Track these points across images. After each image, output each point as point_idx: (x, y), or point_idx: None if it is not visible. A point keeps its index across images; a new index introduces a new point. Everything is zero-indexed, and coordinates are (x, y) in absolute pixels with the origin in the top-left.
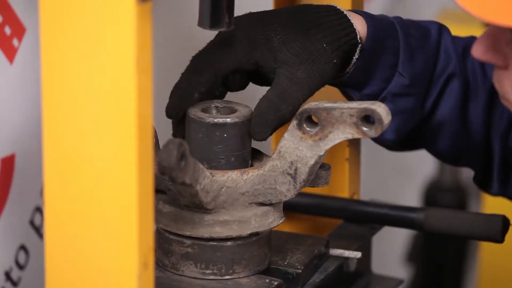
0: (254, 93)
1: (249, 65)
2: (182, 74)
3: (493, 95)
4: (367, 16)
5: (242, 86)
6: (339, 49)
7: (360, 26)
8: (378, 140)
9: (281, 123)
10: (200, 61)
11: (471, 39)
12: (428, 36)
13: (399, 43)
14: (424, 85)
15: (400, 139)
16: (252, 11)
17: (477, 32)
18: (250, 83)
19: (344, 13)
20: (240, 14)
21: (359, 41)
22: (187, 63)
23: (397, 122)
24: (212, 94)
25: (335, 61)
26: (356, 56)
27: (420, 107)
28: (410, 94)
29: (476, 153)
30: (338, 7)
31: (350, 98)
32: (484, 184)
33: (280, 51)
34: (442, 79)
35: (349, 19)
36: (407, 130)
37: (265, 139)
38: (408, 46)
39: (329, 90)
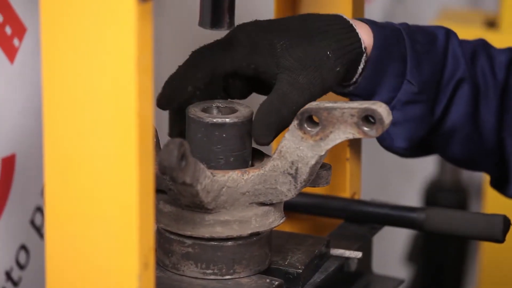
0: (255, 94)
1: (249, 69)
2: (179, 66)
3: (504, 97)
4: (373, 25)
5: (243, 94)
6: (343, 57)
7: (366, 35)
8: (389, 148)
9: (282, 126)
10: (198, 56)
11: (479, 42)
12: (435, 42)
13: (406, 50)
14: (433, 91)
15: (411, 147)
16: (252, 10)
17: (478, 31)
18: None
19: (350, 22)
20: (240, 14)
21: (364, 50)
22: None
23: (407, 129)
24: (214, 98)
25: (338, 69)
26: (361, 65)
27: (430, 113)
28: (419, 101)
29: (490, 156)
30: (343, 16)
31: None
32: (501, 186)
33: (283, 57)
34: (452, 85)
35: (354, 28)
36: (418, 137)
37: (268, 143)
38: (415, 53)
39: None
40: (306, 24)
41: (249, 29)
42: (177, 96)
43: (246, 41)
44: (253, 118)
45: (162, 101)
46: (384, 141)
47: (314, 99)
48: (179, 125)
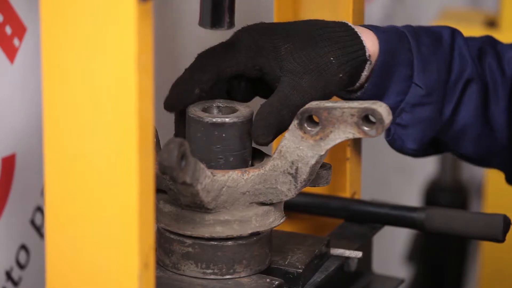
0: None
1: (253, 71)
2: (186, 69)
3: None
4: (378, 31)
5: (246, 97)
6: (346, 64)
7: (370, 42)
8: (400, 149)
9: (282, 128)
10: (204, 58)
11: (486, 39)
12: (440, 43)
13: (412, 54)
14: (441, 92)
15: (422, 147)
16: (253, 10)
17: (478, 31)
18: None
19: (354, 29)
20: (240, 14)
21: (368, 58)
22: (187, 62)
23: (417, 131)
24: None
25: (341, 75)
26: (365, 72)
27: (439, 115)
28: (427, 103)
29: (502, 153)
30: (348, 24)
31: None
32: None
33: (286, 60)
34: (460, 85)
35: (359, 36)
36: (428, 138)
37: (266, 143)
38: (422, 56)
39: None
40: (311, 30)
41: (254, 31)
42: (184, 99)
43: (251, 43)
44: (253, 119)
45: (170, 104)
46: (395, 143)
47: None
48: (184, 127)
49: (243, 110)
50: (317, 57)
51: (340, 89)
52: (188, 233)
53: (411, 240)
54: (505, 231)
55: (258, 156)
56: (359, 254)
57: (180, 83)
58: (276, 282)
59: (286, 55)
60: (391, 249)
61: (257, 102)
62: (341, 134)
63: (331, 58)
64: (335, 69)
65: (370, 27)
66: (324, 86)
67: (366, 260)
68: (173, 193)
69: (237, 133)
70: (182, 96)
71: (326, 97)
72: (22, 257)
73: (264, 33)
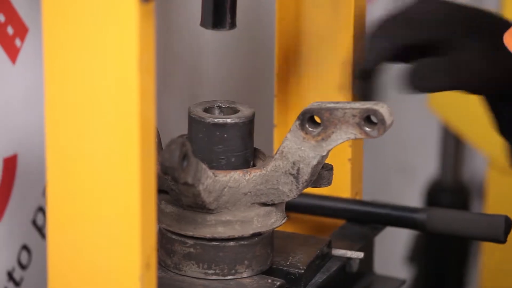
0: (255, 94)
1: (428, 44)
2: (367, 36)
3: None
4: None
5: (405, 62)
6: (498, 64)
7: None
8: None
9: (422, 90)
10: (383, 28)
11: None
12: None
13: None
14: None
15: None
16: (254, 10)
17: None
18: None
19: None
20: (241, 14)
21: None
22: (188, 63)
23: None
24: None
25: (496, 75)
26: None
27: None
28: None
29: None
30: None
31: (500, 112)
32: None
33: (458, 45)
34: None
35: None
36: None
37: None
38: None
39: (330, 90)
40: (486, 24)
41: (436, 6)
42: (365, 64)
43: (430, 17)
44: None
45: (357, 66)
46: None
47: (463, 88)
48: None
49: (245, 110)
50: (483, 53)
51: (490, 88)
52: (190, 233)
53: (413, 241)
54: (507, 232)
55: (259, 157)
56: (360, 254)
57: (365, 48)
58: (278, 283)
59: (460, 37)
60: (393, 250)
61: (259, 101)
62: (342, 135)
63: (498, 58)
64: (495, 66)
65: None
66: (479, 78)
67: (368, 260)
68: (174, 193)
69: (239, 133)
70: (364, 61)
71: (473, 91)
72: (24, 257)
73: (445, 11)
